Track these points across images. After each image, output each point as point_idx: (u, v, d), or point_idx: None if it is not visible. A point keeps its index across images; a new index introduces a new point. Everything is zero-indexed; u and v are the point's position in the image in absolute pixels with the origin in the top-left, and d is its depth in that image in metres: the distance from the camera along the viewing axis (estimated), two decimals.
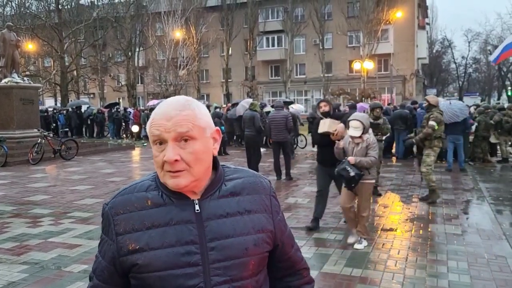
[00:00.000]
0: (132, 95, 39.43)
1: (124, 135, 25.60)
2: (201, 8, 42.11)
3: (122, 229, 1.26)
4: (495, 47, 56.92)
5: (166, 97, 32.26)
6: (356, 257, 5.19)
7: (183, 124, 1.22)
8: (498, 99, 60.08)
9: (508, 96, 57.22)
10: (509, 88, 57.72)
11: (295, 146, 16.73)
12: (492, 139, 13.62)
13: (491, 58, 18.76)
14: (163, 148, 1.22)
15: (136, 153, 17.96)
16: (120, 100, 45.14)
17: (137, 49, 41.39)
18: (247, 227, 1.28)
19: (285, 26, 43.07)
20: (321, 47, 41.58)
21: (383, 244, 5.68)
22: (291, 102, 19.64)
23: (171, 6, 39.37)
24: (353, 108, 12.98)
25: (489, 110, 14.09)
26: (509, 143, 15.11)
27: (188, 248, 1.22)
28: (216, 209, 1.27)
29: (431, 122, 8.11)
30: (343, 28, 40.62)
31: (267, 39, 45.88)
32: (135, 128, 24.18)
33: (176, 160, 1.20)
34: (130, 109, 28.23)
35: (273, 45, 45.91)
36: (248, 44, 44.83)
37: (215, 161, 1.33)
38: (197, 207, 1.26)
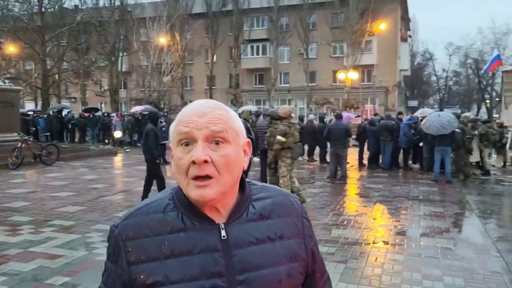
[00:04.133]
0: (114, 100, 38.93)
1: (106, 140, 25.13)
2: (186, 15, 41.97)
3: (135, 257, 1.07)
4: (475, 60, 58.41)
5: (149, 103, 31.90)
6: (350, 272, 5.06)
7: (218, 123, 1.07)
8: (478, 112, 61.10)
9: (487, 108, 58.46)
10: (487, 101, 59.01)
11: None
12: (473, 158, 13.43)
13: (484, 69, 20.26)
14: (189, 149, 1.06)
15: (118, 159, 17.62)
16: (102, 105, 44.59)
17: (121, 54, 40.93)
18: (279, 255, 1.11)
19: (270, 34, 43.16)
20: (305, 57, 41.78)
21: (376, 258, 5.56)
22: None
23: (156, 12, 39.16)
24: (339, 118, 12.93)
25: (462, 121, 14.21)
26: (492, 156, 15.25)
27: (214, 282, 1.04)
28: (244, 235, 1.09)
29: (278, 137, 8.21)
30: (327, 38, 40.89)
31: (252, 47, 45.90)
32: (117, 134, 23.75)
33: (205, 161, 1.03)
34: (113, 114, 27.74)
35: (257, 54, 45.92)
36: (233, 51, 44.81)
37: (241, 179, 1.15)
38: (223, 232, 1.08)
